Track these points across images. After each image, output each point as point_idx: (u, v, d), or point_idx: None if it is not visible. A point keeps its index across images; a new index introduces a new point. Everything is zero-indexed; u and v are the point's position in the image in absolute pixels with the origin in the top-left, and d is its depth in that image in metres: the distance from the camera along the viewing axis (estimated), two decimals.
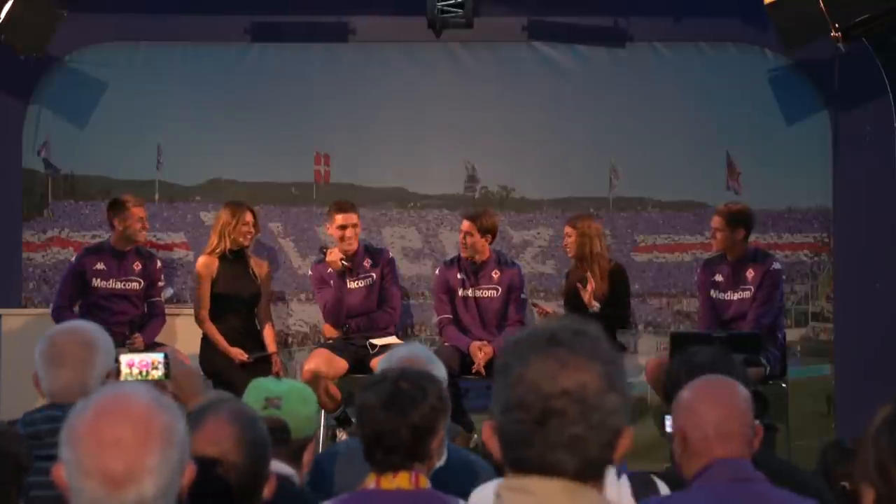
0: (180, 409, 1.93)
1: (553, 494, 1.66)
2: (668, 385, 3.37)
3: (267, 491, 2.40)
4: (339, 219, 6.75)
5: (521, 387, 1.68)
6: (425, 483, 2.71)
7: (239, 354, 6.70)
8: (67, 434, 1.83)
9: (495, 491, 1.71)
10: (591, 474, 1.67)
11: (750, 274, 6.60)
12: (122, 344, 6.28)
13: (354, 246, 6.79)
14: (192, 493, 2.32)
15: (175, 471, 1.84)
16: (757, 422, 2.77)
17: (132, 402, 1.85)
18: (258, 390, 3.03)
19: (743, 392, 2.76)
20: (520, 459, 1.69)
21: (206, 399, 3.70)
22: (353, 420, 5.89)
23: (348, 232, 6.75)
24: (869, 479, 1.65)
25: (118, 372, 3.13)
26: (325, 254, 6.73)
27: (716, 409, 2.71)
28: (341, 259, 6.69)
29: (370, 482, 2.70)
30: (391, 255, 7.14)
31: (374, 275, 6.89)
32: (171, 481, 1.84)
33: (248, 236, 6.92)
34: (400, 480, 2.67)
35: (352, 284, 6.86)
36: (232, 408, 2.46)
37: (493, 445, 1.72)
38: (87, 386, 2.96)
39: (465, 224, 6.84)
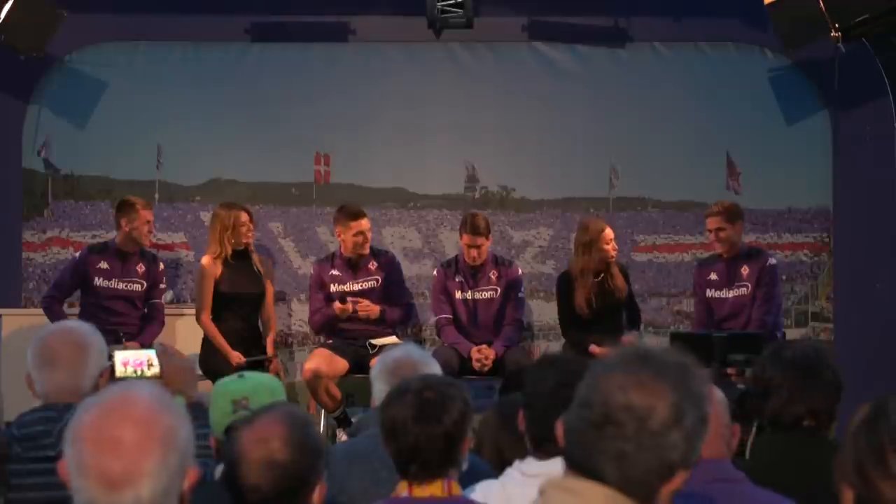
0: (185, 411, 1.93)
1: (597, 499, 1.68)
2: (757, 380, 3.31)
3: (317, 496, 2.38)
4: (355, 226, 6.72)
5: (594, 389, 1.72)
6: (457, 490, 2.70)
7: (236, 358, 6.67)
8: (71, 431, 1.83)
9: (541, 488, 1.74)
10: (634, 493, 1.69)
11: (745, 271, 6.62)
12: (119, 342, 6.25)
13: (367, 251, 6.79)
14: (232, 488, 2.32)
15: (175, 475, 1.83)
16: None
17: (136, 404, 1.84)
18: (223, 395, 3.01)
19: (718, 394, 2.76)
20: (572, 455, 1.74)
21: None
22: (353, 420, 5.91)
23: (361, 238, 6.74)
24: (848, 478, 1.65)
25: (112, 370, 3.13)
26: (347, 305, 6.69)
27: None
28: (348, 310, 6.70)
29: (402, 490, 2.68)
30: (395, 257, 7.10)
31: (378, 277, 6.87)
32: (170, 485, 1.82)
33: (249, 235, 6.91)
34: (433, 489, 2.66)
35: (355, 286, 6.84)
36: (286, 409, 2.47)
37: (561, 440, 1.77)
38: (80, 386, 2.95)
39: (479, 239, 6.77)
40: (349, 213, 6.78)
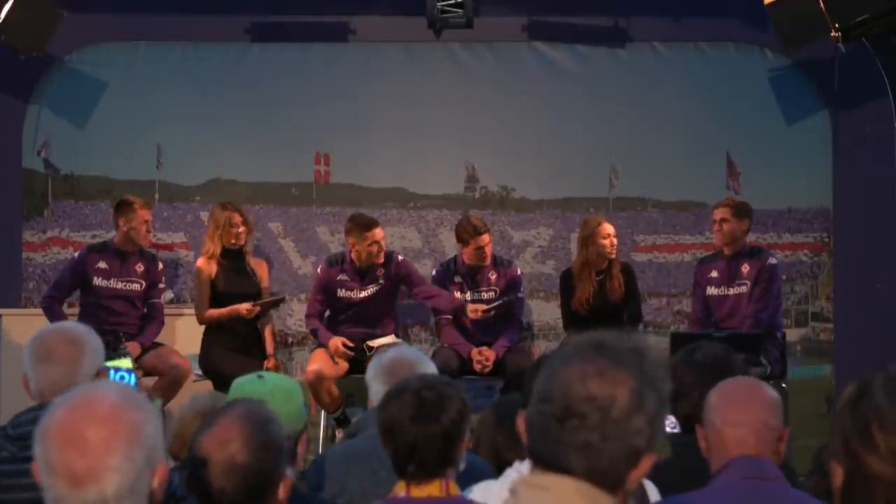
0: (155, 408, 1.94)
1: (567, 493, 1.67)
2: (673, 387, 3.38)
3: (282, 493, 2.39)
4: (370, 236, 6.61)
5: (553, 382, 1.71)
6: (455, 490, 2.69)
7: (247, 307, 6.66)
8: (39, 432, 1.86)
9: (511, 487, 1.73)
10: (603, 482, 1.69)
11: (745, 269, 6.61)
12: (119, 342, 6.23)
13: (381, 260, 6.73)
14: (198, 492, 2.32)
15: (141, 471, 1.84)
16: None
17: (99, 401, 1.86)
18: (241, 395, 3.00)
19: (769, 395, 2.78)
20: (538, 452, 1.72)
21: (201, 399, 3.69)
22: (352, 420, 5.91)
23: (375, 248, 6.65)
24: (837, 456, 1.68)
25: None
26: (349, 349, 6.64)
27: (735, 409, 2.75)
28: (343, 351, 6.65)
29: (400, 490, 2.68)
30: (402, 259, 6.95)
31: (384, 282, 6.80)
32: (137, 481, 1.84)
33: (242, 237, 6.88)
34: (431, 489, 2.65)
35: (362, 293, 6.79)
36: (245, 408, 2.45)
37: (523, 435, 1.76)
38: (75, 384, 2.94)
39: (485, 237, 6.75)
40: (362, 224, 6.68)
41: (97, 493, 1.80)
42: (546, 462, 1.70)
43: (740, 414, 2.74)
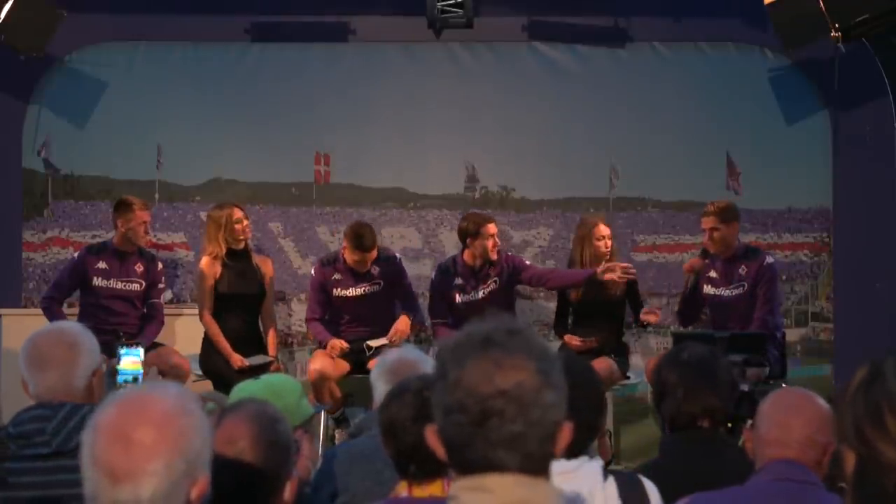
0: (209, 418, 1.93)
1: (509, 489, 1.69)
2: (655, 382, 3.41)
3: (288, 494, 2.38)
4: (359, 256, 6.60)
5: (458, 390, 1.71)
6: None
7: (238, 361, 6.66)
8: (91, 422, 1.88)
9: (450, 493, 1.73)
10: (534, 468, 1.71)
11: (743, 270, 6.58)
12: (120, 346, 6.22)
13: (368, 267, 6.71)
14: None
15: (179, 479, 1.84)
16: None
17: (153, 404, 1.88)
18: (238, 397, 3.01)
19: (819, 408, 2.79)
20: (463, 461, 1.73)
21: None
22: (352, 421, 5.91)
23: (361, 267, 6.66)
24: (848, 441, 1.68)
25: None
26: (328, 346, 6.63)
27: (782, 418, 2.77)
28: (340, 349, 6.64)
29: (402, 490, 2.67)
30: (398, 259, 6.96)
31: (380, 282, 6.79)
32: (173, 489, 1.84)
33: (247, 231, 6.86)
34: (433, 488, 2.64)
35: (357, 291, 6.80)
36: (253, 408, 2.45)
37: (438, 449, 1.76)
38: (72, 386, 2.95)
39: (494, 226, 6.75)
40: (354, 240, 6.59)
41: (132, 493, 1.82)
42: (475, 466, 1.71)
43: (786, 422, 2.75)
